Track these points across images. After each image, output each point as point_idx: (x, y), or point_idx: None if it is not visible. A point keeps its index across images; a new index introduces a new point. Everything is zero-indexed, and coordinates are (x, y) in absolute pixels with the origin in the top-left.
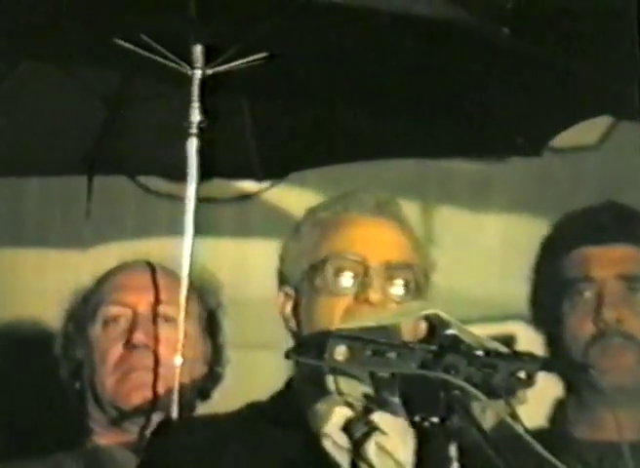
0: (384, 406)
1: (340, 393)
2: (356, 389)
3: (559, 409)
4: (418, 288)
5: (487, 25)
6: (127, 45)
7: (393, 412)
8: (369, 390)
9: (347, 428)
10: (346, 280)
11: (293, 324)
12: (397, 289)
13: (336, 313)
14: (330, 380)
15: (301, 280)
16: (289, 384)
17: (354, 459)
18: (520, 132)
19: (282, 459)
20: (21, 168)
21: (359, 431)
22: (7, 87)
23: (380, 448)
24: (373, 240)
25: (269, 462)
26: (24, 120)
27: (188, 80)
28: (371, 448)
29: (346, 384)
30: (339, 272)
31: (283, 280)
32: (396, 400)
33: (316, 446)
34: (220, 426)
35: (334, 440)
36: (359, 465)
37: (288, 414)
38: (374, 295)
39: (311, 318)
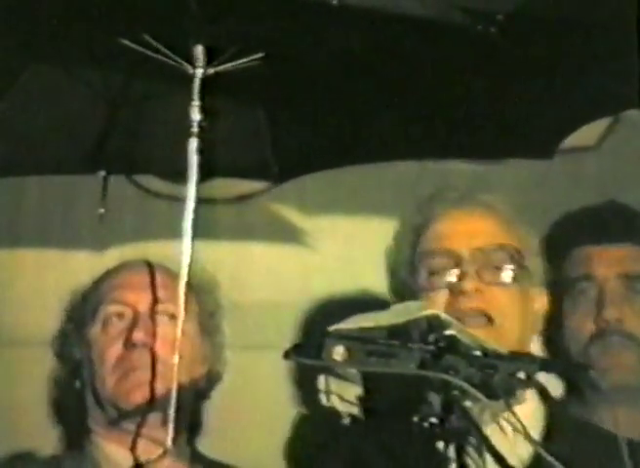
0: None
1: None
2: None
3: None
4: (522, 269)
5: (476, 25)
6: (128, 44)
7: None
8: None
9: None
10: (440, 275)
11: None
12: (505, 273)
13: (437, 309)
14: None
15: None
16: None
17: None
18: (530, 133)
19: None
20: (23, 168)
21: None
22: (14, 90)
23: None
24: (459, 231)
25: None
26: (28, 121)
27: (190, 79)
28: None
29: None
30: (432, 270)
31: None
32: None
33: None
34: None
35: None
36: None
37: None
38: (467, 285)
39: None
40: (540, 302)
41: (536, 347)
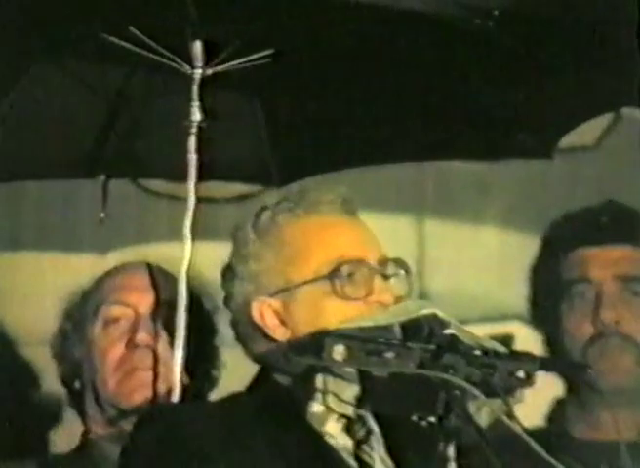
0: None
1: (327, 392)
2: (344, 390)
3: (558, 409)
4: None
5: (474, 19)
6: (126, 44)
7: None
8: (357, 391)
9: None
10: (358, 284)
11: (281, 333)
12: (397, 285)
13: (352, 317)
14: (319, 379)
15: (288, 288)
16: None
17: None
18: (529, 133)
19: (280, 454)
20: (23, 173)
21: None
22: (13, 94)
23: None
24: (360, 240)
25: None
26: (28, 123)
27: (189, 79)
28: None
29: (335, 384)
30: (352, 276)
31: (257, 290)
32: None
33: (316, 442)
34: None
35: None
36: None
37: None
38: (385, 296)
39: (319, 325)
40: None
41: None
